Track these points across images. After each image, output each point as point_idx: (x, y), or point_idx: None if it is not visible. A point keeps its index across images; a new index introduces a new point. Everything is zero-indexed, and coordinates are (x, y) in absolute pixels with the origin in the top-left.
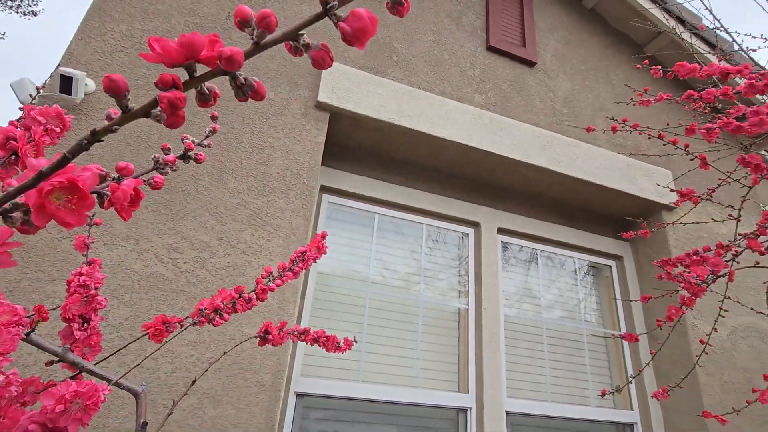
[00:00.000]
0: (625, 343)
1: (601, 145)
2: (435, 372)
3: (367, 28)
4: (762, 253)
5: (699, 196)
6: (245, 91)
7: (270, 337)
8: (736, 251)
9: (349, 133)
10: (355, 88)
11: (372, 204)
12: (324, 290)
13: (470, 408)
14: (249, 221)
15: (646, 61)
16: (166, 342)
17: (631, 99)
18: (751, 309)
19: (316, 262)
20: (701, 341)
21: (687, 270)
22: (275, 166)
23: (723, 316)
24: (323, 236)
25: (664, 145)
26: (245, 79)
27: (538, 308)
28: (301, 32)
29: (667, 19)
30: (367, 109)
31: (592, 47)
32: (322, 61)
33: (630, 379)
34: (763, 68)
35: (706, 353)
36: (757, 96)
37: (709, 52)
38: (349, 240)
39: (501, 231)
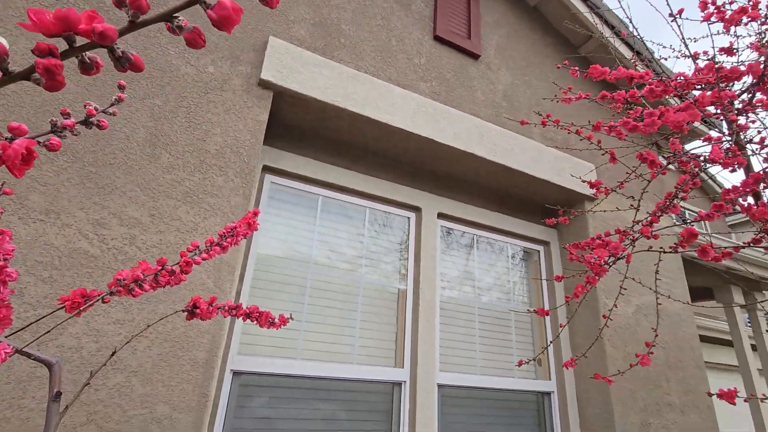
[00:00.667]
0: (548, 321)
1: (534, 138)
2: (373, 349)
3: (230, 17)
4: (653, 238)
5: (608, 188)
6: (123, 63)
7: (198, 311)
8: (633, 237)
9: (294, 114)
10: (300, 68)
11: (316, 186)
12: (265, 271)
13: (405, 382)
14: (184, 198)
15: (566, 62)
16: (80, 312)
17: (555, 96)
18: (649, 289)
19: (246, 238)
20: (604, 316)
21: (591, 252)
22: (214, 143)
23: (623, 294)
24: (255, 213)
25: (581, 140)
26: (122, 52)
27: (472, 289)
28: (175, 15)
29: (597, 24)
30: (313, 90)
31: (533, 44)
32: (194, 42)
33: (542, 350)
34: (668, 76)
35: (608, 326)
36: (670, 98)
37: (630, 59)
38: (292, 221)
39: (441, 216)
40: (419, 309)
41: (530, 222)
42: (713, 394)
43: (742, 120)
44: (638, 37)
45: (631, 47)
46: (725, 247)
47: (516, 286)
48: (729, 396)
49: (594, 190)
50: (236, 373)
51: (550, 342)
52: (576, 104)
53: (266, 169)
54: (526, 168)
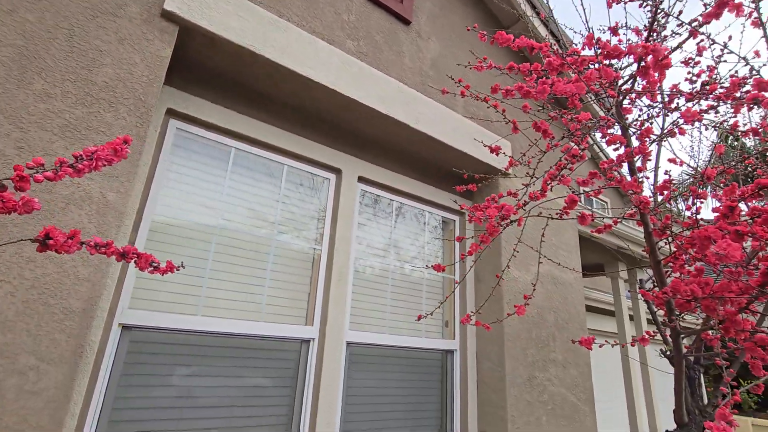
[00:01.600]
0: (457, 287)
1: (457, 111)
2: (284, 308)
3: None
4: (565, 214)
5: (513, 159)
6: None
7: (51, 242)
8: (521, 203)
9: (205, 55)
10: (212, 3)
11: (229, 137)
12: (165, 223)
13: (313, 339)
14: (62, 132)
15: (476, 25)
16: None
17: (469, 63)
18: (546, 257)
19: (111, 165)
20: (497, 276)
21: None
22: (102, 74)
23: (515, 256)
24: (126, 140)
25: (488, 107)
26: None
27: (387, 254)
28: None
29: (521, 2)
30: (226, 31)
31: (465, 18)
32: None
33: (437, 306)
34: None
35: (502, 287)
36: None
37: (545, 37)
38: (201, 173)
39: (361, 180)
40: (332, 270)
41: (448, 192)
42: (576, 341)
43: (626, 103)
44: (552, 18)
45: (546, 26)
46: (604, 218)
47: (432, 253)
48: (587, 342)
49: (506, 164)
50: (126, 327)
51: (445, 299)
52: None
53: (171, 113)
54: (447, 138)
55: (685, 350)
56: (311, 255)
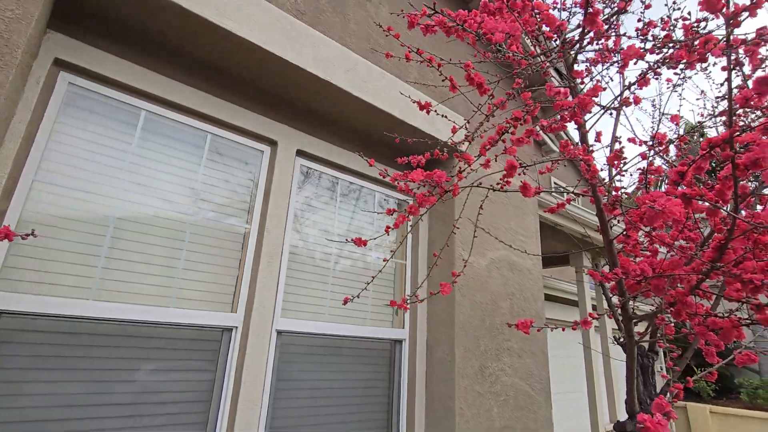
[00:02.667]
0: (408, 270)
1: (410, 83)
2: (205, 293)
3: None
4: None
5: (456, 126)
6: None
7: None
8: (461, 173)
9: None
10: None
11: (139, 97)
12: (51, 192)
13: (236, 327)
14: None
15: None
16: None
17: (402, 10)
18: (504, 243)
19: None
20: (434, 254)
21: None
22: None
23: (454, 233)
24: None
25: (443, 80)
26: None
27: (330, 235)
28: None
29: None
30: None
31: None
32: None
33: (363, 289)
34: None
35: (437, 265)
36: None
37: None
38: (101, 137)
39: (301, 154)
40: (262, 251)
41: (401, 171)
42: (511, 325)
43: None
44: None
45: None
46: (552, 193)
47: (381, 234)
48: (524, 326)
49: (459, 138)
50: None
51: (370, 281)
52: (451, 48)
53: (62, 64)
54: (396, 111)
55: (638, 337)
56: (240, 235)
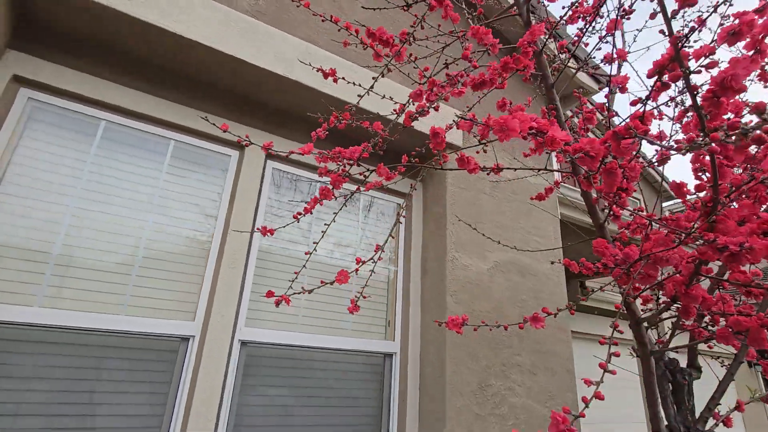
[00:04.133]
0: (400, 280)
1: (394, 80)
2: (161, 300)
3: None
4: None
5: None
6: None
7: None
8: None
9: (54, 13)
10: None
11: (98, 108)
12: (8, 203)
13: (193, 336)
14: None
15: None
16: None
17: None
18: (514, 247)
19: None
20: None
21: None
22: None
23: (444, 234)
24: None
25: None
26: None
27: (303, 239)
28: None
29: None
30: None
31: None
32: None
33: (290, 281)
34: None
35: (443, 274)
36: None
37: None
38: (61, 149)
39: (272, 157)
40: (224, 255)
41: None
42: (441, 323)
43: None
44: None
45: None
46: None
47: (372, 239)
48: (536, 321)
49: (460, 138)
50: None
51: (299, 283)
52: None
53: (21, 81)
54: (383, 110)
55: (658, 345)
56: (205, 241)
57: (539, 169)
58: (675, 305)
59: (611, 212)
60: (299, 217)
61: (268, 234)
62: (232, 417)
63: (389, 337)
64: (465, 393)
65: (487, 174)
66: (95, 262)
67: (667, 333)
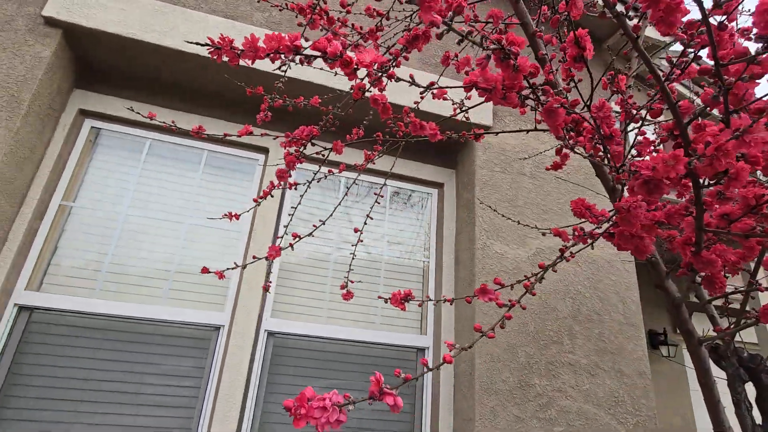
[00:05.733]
0: (432, 272)
1: (413, 67)
2: (196, 294)
3: None
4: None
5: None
6: None
7: None
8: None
9: (100, 53)
10: (92, 2)
11: (147, 129)
12: (74, 214)
13: (223, 325)
14: None
15: None
16: None
17: None
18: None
19: None
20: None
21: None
22: None
23: (474, 219)
24: None
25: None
26: None
27: (340, 232)
28: None
29: None
30: (105, 24)
31: None
32: None
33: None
34: None
35: (473, 263)
36: None
37: None
38: (117, 165)
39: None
40: (248, 250)
41: (421, 162)
42: (471, 297)
43: None
44: None
45: None
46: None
47: (404, 234)
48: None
49: (491, 122)
50: (24, 308)
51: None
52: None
53: (85, 113)
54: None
55: (714, 332)
56: (233, 237)
57: (525, 130)
58: (695, 276)
59: (617, 170)
60: (258, 200)
61: (296, 240)
62: (257, 409)
63: (423, 331)
64: (500, 391)
65: (473, 138)
66: (146, 261)
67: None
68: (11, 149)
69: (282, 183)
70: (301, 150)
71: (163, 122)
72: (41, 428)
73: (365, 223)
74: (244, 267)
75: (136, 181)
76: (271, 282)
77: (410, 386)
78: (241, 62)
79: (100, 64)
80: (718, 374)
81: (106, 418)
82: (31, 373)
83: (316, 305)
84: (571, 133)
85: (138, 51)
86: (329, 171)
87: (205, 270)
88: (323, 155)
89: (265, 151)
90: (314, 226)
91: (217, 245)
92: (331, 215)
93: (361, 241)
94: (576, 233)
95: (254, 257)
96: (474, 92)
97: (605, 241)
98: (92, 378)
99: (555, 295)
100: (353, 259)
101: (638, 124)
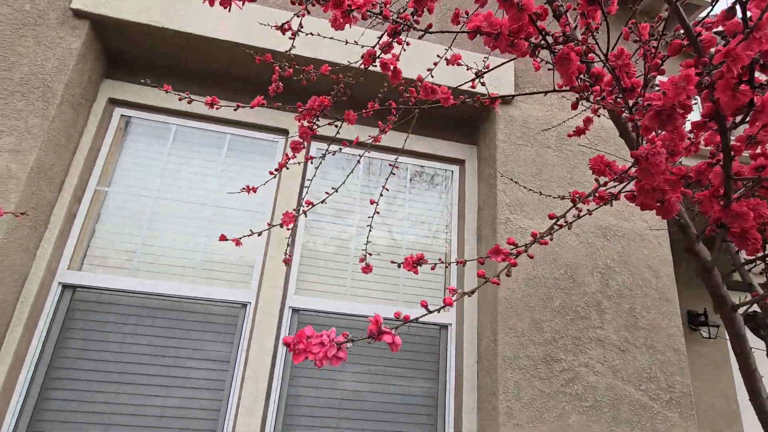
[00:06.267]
0: (454, 249)
1: (430, 40)
2: (224, 273)
3: None
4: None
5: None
6: None
7: None
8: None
9: (127, 44)
10: None
11: (175, 116)
12: (108, 198)
13: (250, 302)
14: None
15: None
16: None
17: None
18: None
19: None
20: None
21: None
22: (19, 72)
23: (495, 192)
24: None
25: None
26: None
27: (344, 213)
28: None
29: None
30: (128, 13)
31: None
32: None
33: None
34: None
35: (494, 235)
36: None
37: None
38: (145, 152)
39: (315, 138)
40: (271, 232)
41: (442, 139)
42: (484, 258)
43: None
44: None
45: None
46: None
47: (426, 212)
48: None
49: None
50: (67, 287)
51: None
52: None
53: (114, 102)
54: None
55: (750, 297)
56: (263, 216)
57: (536, 92)
58: (726, 232)
59: (629, 111)
60: (274, 173)
61: (309, 207)
62: (285, 386)
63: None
64: (523, 367)
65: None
66: (177, 241)
67: None
68: (49, 137)
69: (296, 155)
70: (313, 121)
71: (179, 95)
72: (86, 398)
73: (381, 195)
74: (259, 234)
75: (163, 166)
76: (290, 256)
77: (434, 363)
78: (262, 44)
79: (126, 53)
80: (756, 345)
81: (150, 380)
82: (75, 347)
83: (340, 283)
84: (587, 85)
85: (159, 38)
86: (344, 143)
87: (222, 237)
88: (336, 125)
89: (284, 132)
90: (327, 194)
91: (242, 226)
92: (344, 183)
93: (378, 212)
94: (594, 192)
95: (268, 224)
96: (492, 62)
97: (633, 209)
98: (130, 351)
99: (582, 269)
100: (370, 231)
101: (664, 75)
